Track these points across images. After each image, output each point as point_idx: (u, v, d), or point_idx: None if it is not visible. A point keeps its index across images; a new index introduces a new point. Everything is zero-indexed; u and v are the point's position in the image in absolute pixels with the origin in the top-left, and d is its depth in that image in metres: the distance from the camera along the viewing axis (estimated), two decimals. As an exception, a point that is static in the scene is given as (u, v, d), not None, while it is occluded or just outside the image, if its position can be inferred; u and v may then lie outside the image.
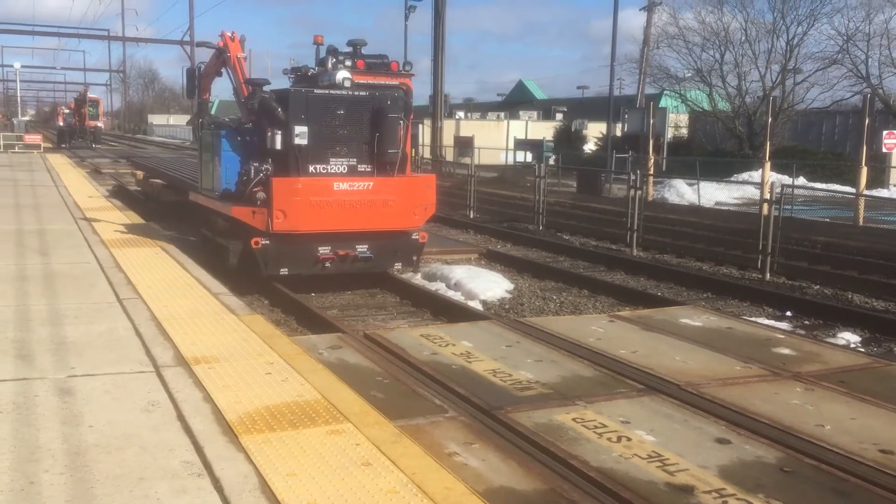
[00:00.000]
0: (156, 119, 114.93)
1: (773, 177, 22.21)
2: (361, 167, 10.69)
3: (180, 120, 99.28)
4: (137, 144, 66.83)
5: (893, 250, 15.34)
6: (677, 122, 47.30)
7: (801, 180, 28.30)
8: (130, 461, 4.18)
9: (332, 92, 10.47)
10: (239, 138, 11.08)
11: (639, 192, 17.61)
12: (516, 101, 75.25)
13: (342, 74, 10.48)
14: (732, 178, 30.95)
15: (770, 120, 23.66)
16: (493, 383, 6.21)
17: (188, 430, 4.64)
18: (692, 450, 4.96)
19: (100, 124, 63.78)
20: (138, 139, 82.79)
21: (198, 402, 5.09)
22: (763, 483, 4.51)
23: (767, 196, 15.33)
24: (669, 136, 45.06)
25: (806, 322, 10.79)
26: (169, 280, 8.86)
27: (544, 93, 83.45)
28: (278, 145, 10.27)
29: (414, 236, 11.19)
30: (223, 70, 13.72)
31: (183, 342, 6.41)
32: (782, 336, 7.97)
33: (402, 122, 10.88)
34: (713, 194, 27.63)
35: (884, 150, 27.19)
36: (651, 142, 27.64)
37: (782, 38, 41.71)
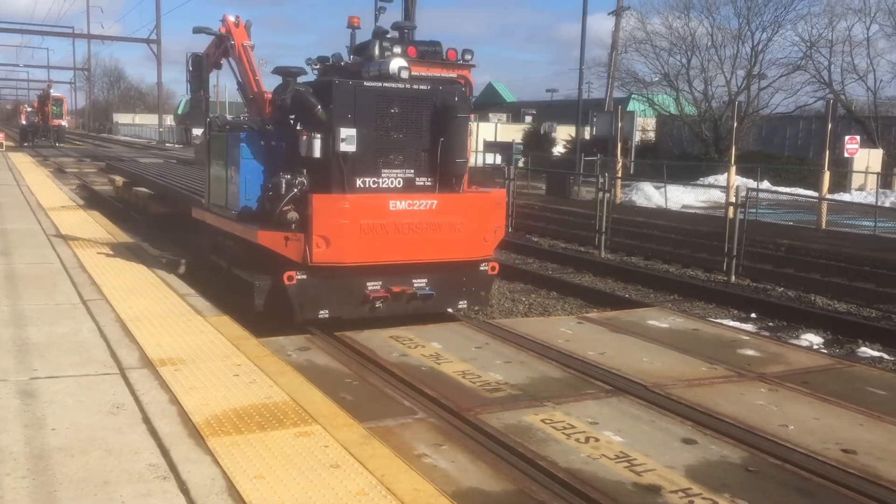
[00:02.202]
0: (121, 118, 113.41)
1: (738, 180, 22.53)
2: (420, 180, 8.26)
3: (146, 119, 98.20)
4: (102, 144, 65.99)
5: (855, 253, 15.62)
6: (645, 125, 47.82)
7: (766, 184, 28.75)
8: (95, 464, 4.11)
9: (386, 85, 8.05)
10: (262, 143, 8.60)
11: (607, 195, 17.76)
12: (486, 104, 75.45)
13: (398, 63, 8.09)
14: (699, 182, 31.32)
15: (735, 124, 23.99)
16: (462, 385, 6.21)
17: (154, 432, 4.58)
18: (659, 450, 5.01)
19: (64, 123, 62.82)
20: (103, 138, 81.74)
21: (164, 405, 5.03)
22: (728, 482, 4.56)
23: (733, 199, 15.54)
24: (637, 140, 45.46)
25: (770, 324, 10.95)
26: (134, 281, 8.75)
27: (514, 95, 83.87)
28: (317, 152, 7.90)
29: (483, 267, 8.67)
30: (223, 61, 11.79)
31: (149, 344, 6.33)
32: (747, 337, 8.08)
33: (469, 123, 8.73)
34: (680, 197, 27.94)
35: (846, 154, 27.74)
36: (619, 145, 27.87)
37: (747, 43, 42.41)
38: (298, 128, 8.26)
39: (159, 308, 7.53)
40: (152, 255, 10.63)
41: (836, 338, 10.13)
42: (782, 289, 13.47)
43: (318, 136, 7.90)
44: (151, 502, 3.73)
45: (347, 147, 7.77)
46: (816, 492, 4.52)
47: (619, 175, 27.03)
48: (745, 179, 26.95)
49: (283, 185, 7.97)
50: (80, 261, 9.82)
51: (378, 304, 8.10)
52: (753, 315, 11.37)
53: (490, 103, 76.07)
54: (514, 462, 4.82)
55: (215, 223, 9.44)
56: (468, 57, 8.97)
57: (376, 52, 8.44)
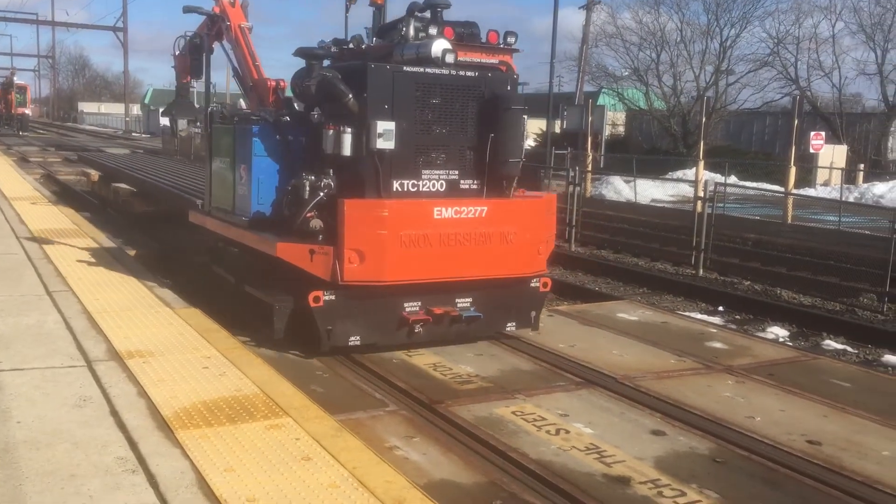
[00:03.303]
0: (87, 107, 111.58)
1: (706, 175, 22.74)
2: (465, 183, 7.04)
3: (113, 108, 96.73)
4: (67, 133, 64.87)
5: (820, 248, 15.88)
6: (615, 119, 48.14)
7: (733, 179, 29.07)
8: (61, 458, 4.05)
9: (429, 71, 6.80)
10: (278, 137, 7.34)
11: (577, 189, 17.86)
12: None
13: (441, 45, 6.84)
14: (667, 176, 31.60)
15: (704, 119, 24.20)
16: (433, 377, 6.22)
17: (122, 425, 4.52)
18: (628, 442, 5.05)
19: (27, 111, 61.74)
20: (68, 127, 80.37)
21: (132, 397, 4.97)
22: (696, 473, 4.62)
23: (701, 194, 15.71)
24: (607, 134, 45.86)
25: (737, 317, 11.10)
26: (101, 272, 8.62)
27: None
28: (346, 149, 6.66)
29: (534, 283, 7.38)
30: (216, 45, 10.45)
31: (116, 336, 6.24)
32: (715, 330, 8.18)
33: (524, 116, 7.28)
34: (649, 191, 28.17)
35: (811, 150, 28.14)
36: (589, 139, 28.01)
37: (716, 39, 42.83)
38: (321, 120, 7.05)
39: (127, 300, 7.43)
40: (121, 246, 10.49)
41: (802, 331, 10.30)
42: (749, 282, 13.65)
43: (349, 130, 6.63)
44: (120, 496, 3.69)
45: (385, 144, 6.49)
46: (782, 482, 4.59)
47: (590, 169, 27.18)
48: (713, 174, 27.23)
49: (307, 188, 6.74)
50: (45, 252, 9.65)
51: (418, 329, 6.82)
52: (721, 308, 11.51)
53: (461, 96, 75.84)
54: (486, 454, 4.85)
55: (219, 230, 8.06)
56: (511, 40, 7.74)
57: (411, 32, 7.21)
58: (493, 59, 7.71)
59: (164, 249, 11.35)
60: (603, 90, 48.40)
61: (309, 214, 6.71)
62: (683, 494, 4.35)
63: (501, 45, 7.77)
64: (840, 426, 5.43)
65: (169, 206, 12.35)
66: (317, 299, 6.48)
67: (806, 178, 30.47)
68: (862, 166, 34.53)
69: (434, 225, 6.67)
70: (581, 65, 42.74)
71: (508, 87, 7.19)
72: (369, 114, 6.55)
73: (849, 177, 31.68)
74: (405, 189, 6.78)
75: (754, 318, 10.93)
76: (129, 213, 14.95)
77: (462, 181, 7.02)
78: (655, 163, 35.06)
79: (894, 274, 11.09)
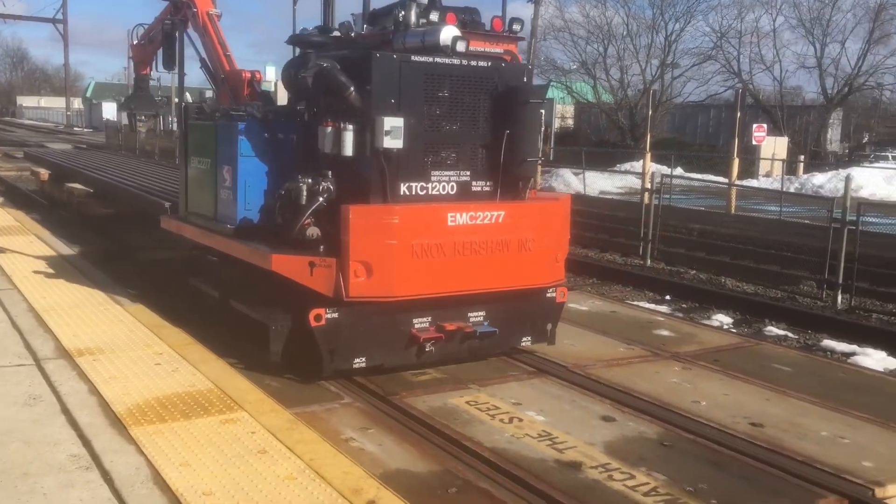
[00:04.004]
0: (26, 101, 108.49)
1: (653, 167, 23.16)
2: (477, 185, 6.40)
3: (53, 102, 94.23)
4: (5, 127, 63.10)
5: (762, 237, 16.30)
6: (564, 112, 48.65)
7: (679, 171, 29.66)
8: (13, 456, 4.01)
9: (439, 61, 6.14)
10: (266, 136, 6.65)
11: (527, 181, 17.99)
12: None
13: (450, 32, 6.22)
14: (616, 168, 32.07)
15: (650, 112, 24.61)
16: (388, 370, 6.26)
17: (74, 423, 4.49)
18: (580, 428, 5.17)
19: (-38, 105, 59.77)
20: (6, 122, 78.12)
21: (83, 395, 4.92)
22: (645, 457, 4.76)
23: (648, 186, 16.01)
24: (556, 127, 46.23)
25: (684, 305, 11.36)
26: (47, 270, 8.47)
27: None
28: (348, 149, 5.97)
29: (550, 293, 6.77)
30: (184, 34, 9.47)
31: (64, 334, 6.16)
32: (662, 319, 8.38)
33: (542, 111, 6.75)
34: (598, 183, 28.56)
35: (754, 142, 28.80)
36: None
37: (661, 33, 43.65)
38: (316, 116, 6.40)
39: (75, 297, 7.33)
40: (66, 242, 10.30)
41: (745, 318, 10.59)
42: (695, 271, 13.97)
43: (350, 127, 5.94)
44: (74, 493, 3.67)
45: (392, 143, 5.81)
46: (727, 463, 4.76)
47: (540, 161, 27.41)
48: (659, 166, 27.74)
49: (304, 193, 6.01)
50: (-13, 249, 9.44)
51: (429, 348, 6.16)
52: (668, 297, 11.77)
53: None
54: (440, 443, 4.91)
55: (200, 238, 7.24)
56: (517, 27, 7.08)
57: (412, 18, 6.50)
58: (497, 48, 7.00)
59: (112, 248, 11.13)
60: (552, 83, 48.83)
61: (306, 222, 6.00)
62: (632, 477, 4.48)
63: (506, 33, 7.07)
64: (781, 409, 5.63)
65: (131, 209, 11.63)
66: (318, 318, 5.75)
67: (749, 169, 31.20)
68: (802, 157, 35.50)
69: (448, 233, 6.01)
70: (530, 58, 43.00)
71: (525, 79, 6.59)
72: (374, 109, 5.85)
73: (790, 168, 32.56)
74: (413, 192, 6.09)
75: (700, 307, 11.20)
76: (85, 216, 13.90)
77: (474, 183, 6.38)
78: (604, 155, 35.54)
79: (833, 262, 11.45)
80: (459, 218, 6.06)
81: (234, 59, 8.81)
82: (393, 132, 5.79)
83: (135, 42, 10.32)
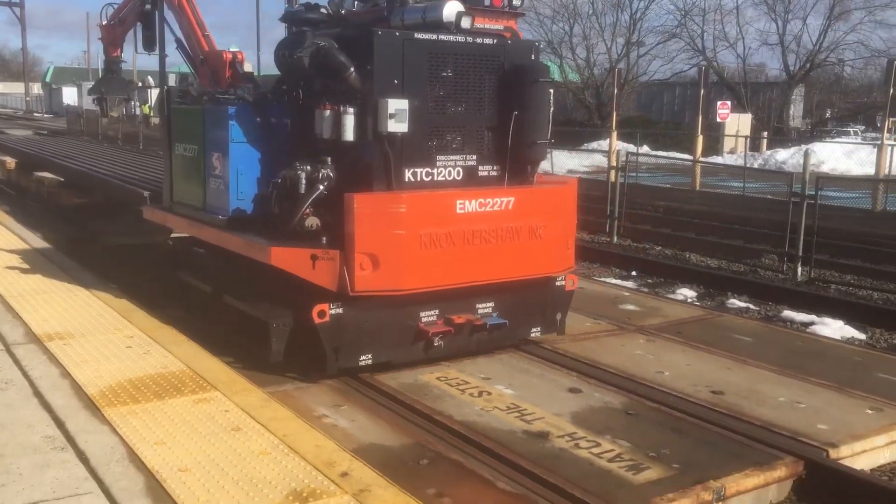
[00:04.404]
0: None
1: (619, 145, 23.39)
2: (483, 170, 6.11)
3: (11, 88, 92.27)
4: (-38, 114, 61.67)
5: (726, 212, 16.57)
6: (530, 92, 48.63)
7: (645, 149, 29.94)
8: (-14, 440, 4.05)
9: (443, 38, 5.80)
10: (259, 120, 6.30)
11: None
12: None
13: (454, 6, 5.86)
14: (583, 147, 32.29)
15: (616, 91, 24.81)
16: (358, 347, 6.33)
17: (47, 405, 4.52)
18: (547, 400, 5.31)
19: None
20: (-38, 108, 76.36)
21: (55, 379, 4.95)
22: (611, 426, 4.91)
23: (614, 164, 16.19)
24: (523, 107, 46.24)
25: (649, 280, 11.56)
26: (13, 256, 8.41)
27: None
28: (349, 133, 5.66)
29: (560, 281, 6.54)
30: (163, 13, 8.91)
31: (33, 319, 6.16)
32: (628, 294, 8.56)
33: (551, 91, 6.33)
34: (565, 162, 28.74)
35: (718, 119, 29.15)
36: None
37: (626, 12, 43.83)
38: (314, 98, 6.05)
39: (43, 284, 7.30)
40: (32, 230, 10.21)
41: (709, 291, 10.81)
42: (660, 247, 14.19)
43: (351, 110, 5.62)
44: (50, 472, 3.72)
45: (397, 126, 5.48)
46: (689, 430, 4.92)
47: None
48: (626, 144, 28.00)
49: (303, 181, 5.69)
50: (-50, 237, 9.34)
51: (437, 342, 5.95)
52: (634, 273, 11.96)
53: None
54: (411, 418, 5.02)
55: (188, 230, 6.94)
56: (517, 2, 6.75)
57: None
58: (496, 25, 6.60)
59: (79, 235, 11.04)
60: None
61: (306, 212, 5.70)
62: (598, 445, 4.63)
63: (506, 9, 6.72)
64: (741, 377, 5.82)
65: (108, 199, 11.24)
66: (322, 314, 5.46)
67: (713, 146, 31.60)
68: (766, 134, 35.99)
69: (457, 221, 5.72)
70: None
71: (533, 56, 6.29)
72: (376, 90, 5.52)
73: (753, 144, 33.02)
74: (418, 179, 5.77)
75: (665, 282, 11.41)
76: (57, 206, 13.34)
77: (481, 167, 6.07)
78: (571, 134, 35.71)
79: (793, 235, 11.71)
80: (468, 205, 5.77)
81: (214, 39, 8.45)
82: (397, 115, 5.47)
83: (104, 22, 9.73)
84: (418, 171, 5.77)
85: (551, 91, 6.22)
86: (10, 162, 17.25)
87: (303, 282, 5.47)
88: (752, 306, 9.85)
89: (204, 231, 6.54)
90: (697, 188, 21.76)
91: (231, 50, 8.05)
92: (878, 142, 20.54)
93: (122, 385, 4.88)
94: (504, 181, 6.13)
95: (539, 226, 6.09)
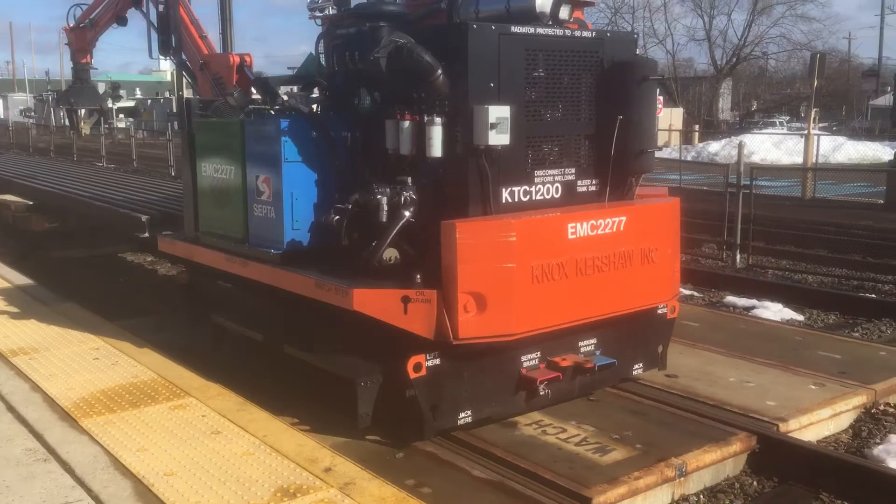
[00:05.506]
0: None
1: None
2: (582, 185, 5.24)
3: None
4: None
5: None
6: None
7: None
8: (-33, 456, 4.06)
9: (541, 32, 4.89)
10: (314, 135, 5.28)
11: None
12: (310, 74, 74.03)
13: None
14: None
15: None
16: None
17: (22, 419, 4.55)
18: (512, 390, 5.50)
19: None
20: None
21: (26, 393, 4.96)
22: (574, 412, 5.14)
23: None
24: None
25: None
26: (-39, 274, 8.28)
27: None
28: (436, 148, 4.69)
29: (661, 310, 5.67)
30: (178, 13, 7.52)
31: (-6, 336, 6.12)
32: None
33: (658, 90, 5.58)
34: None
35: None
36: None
37: (559, 11, 44.50)
38: (385, 108, 5.12)
39: (0, 302, 7.23)
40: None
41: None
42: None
43: (438, 121, 4.66)
44: (37, 483, 3.77)
45: (498, 138, 4.55)
46: (647, 412, 5.19)
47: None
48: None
49: (385, 208, 4.79)
50: None
51: (544, 391, 4.93)
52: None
53: (314, 73, 74.71)
54: (383, 414, 5.15)
55: (226, 266, 5.71)
56: None
57: None
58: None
59: (27, 249, 10.82)
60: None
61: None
62: (564, 431, 4.85)
63: None
64: (693, 360, 6.12)
65: (93, 223, 10.14)
66: (418, 367, 4.53)
67: (648, 140, 32.29)
68: (697, 127, 37.05)
69: (569, 248, 4.79)
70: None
71: (636, 51, 5.44)
72: (471, 95, 4.59)
73: (686, 137, 33.92)
74: (516, 199, 4.85)
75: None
76: (25, 232, 12.16)
77: (579, 182, 5.20)
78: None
79: (731, 224, 12.16)
80: (580, 228, 4.84)
81: (213, 42, 7.64)
82: (500, 125, 4.54)
83: (71, 25, 8.78)
84: (515, 189, 4.84)
85: (658, 91, 5.41)
86: None
87: (387, 328, 4.50)
88: (696, 293, 10.24)
89: (251, 268, 5.39)
90: (636, 182, 22.27)
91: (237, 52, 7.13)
92: (805, 132, 21.38)
93: (95, 396, 4.91)
94: (605, 197, 5.24)
95: (652, 248, 5.22)
